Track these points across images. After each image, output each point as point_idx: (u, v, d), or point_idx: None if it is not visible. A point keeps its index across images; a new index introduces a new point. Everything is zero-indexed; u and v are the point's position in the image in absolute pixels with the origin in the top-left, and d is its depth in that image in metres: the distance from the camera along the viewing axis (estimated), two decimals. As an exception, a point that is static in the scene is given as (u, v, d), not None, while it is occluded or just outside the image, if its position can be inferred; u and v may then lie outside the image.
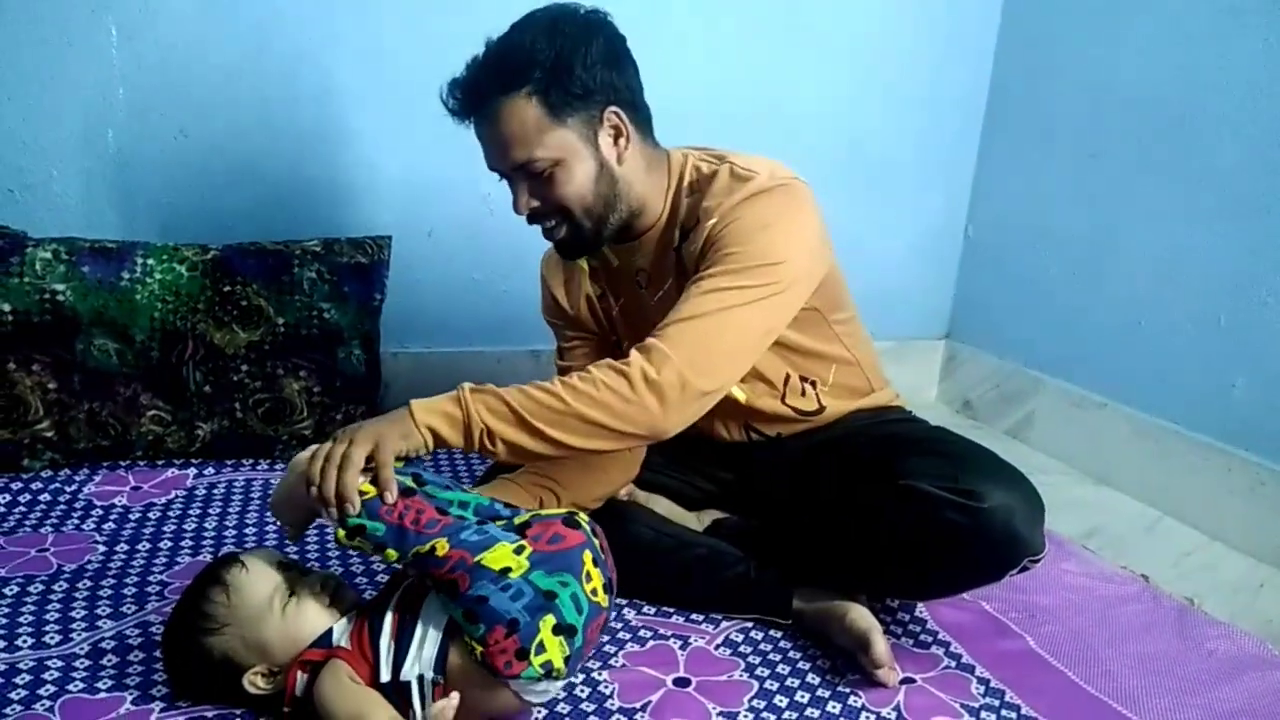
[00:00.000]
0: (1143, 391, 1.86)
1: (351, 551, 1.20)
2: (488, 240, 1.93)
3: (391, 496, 0.98)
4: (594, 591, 1.00)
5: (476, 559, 0.95)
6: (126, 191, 1.74)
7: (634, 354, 1.08)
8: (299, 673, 0.98)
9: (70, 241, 1.62)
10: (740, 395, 1.30)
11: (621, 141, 1.18)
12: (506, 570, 0.95)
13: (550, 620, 0.95)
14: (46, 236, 1.61)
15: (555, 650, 0.95)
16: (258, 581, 1.01)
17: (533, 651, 0.94)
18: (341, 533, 0.98)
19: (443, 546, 0.96)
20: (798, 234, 1.16)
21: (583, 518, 1.05)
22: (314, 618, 1.01)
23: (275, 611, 1.00)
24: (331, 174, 1.81)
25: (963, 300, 2.32)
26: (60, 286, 1.57)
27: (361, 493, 0.97)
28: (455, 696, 0.92)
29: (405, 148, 1.84)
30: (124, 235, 1.69)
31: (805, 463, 1.32)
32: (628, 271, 1.30)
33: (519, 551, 0.97)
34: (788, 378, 1.31)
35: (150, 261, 1.63)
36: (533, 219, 1.20)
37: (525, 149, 1.12)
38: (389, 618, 1.00)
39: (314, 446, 1.03)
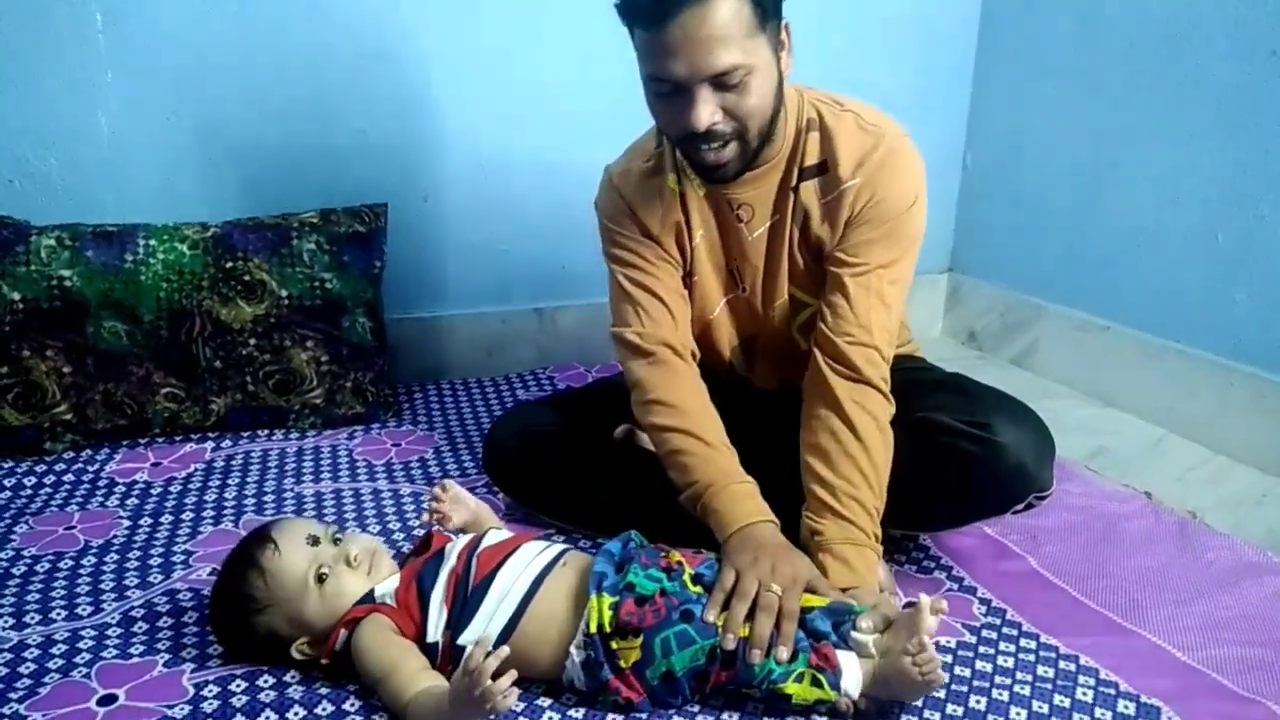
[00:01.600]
0: (1145, 312, 1.86)
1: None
2: (484, 202, 1.94)
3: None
4: None
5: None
6: (123, 175, 1.76)
7: (884, 386, 1.17)
8: (342, 630, 1.02)
9: (72, 227, 1.65)
10: (803, 344, 1.30)
11: (786, 58, 1.13)
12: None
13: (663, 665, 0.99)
14: (49, 224, 1.64)
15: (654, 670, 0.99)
16: (291, 563, 1.03)
17: (648, 673, 0.99)
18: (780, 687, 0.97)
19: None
20: (925, 200, 1.22)
21: None
22: (353, 592, 1.03)
23: (312, 591, 1.02)
24: (323, 143, 1.82)
25: (964, 232, 2.31)
26: (66, 272, 1.60)
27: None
28: (505, 650, 0.89)
29: (395, 112, 1.85)
30: (124, 218, 1.72)
31: None
32: (720, 202, 1.25)
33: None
34: None
35: (152, 242, 1.66)
36: (706, 138, 1.10)
37: (731, 53, 1.04)
38: (442, 578, 1.03)
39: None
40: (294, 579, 1.02)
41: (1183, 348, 1.79)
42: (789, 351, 1.30)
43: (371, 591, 1.04)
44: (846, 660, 0.98)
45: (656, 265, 1.27)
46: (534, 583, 1.03)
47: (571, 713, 1.01)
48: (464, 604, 1.02)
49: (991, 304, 2.21)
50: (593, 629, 0.98)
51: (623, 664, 0.98)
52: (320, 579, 1.02)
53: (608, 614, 0.98)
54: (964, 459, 1.12)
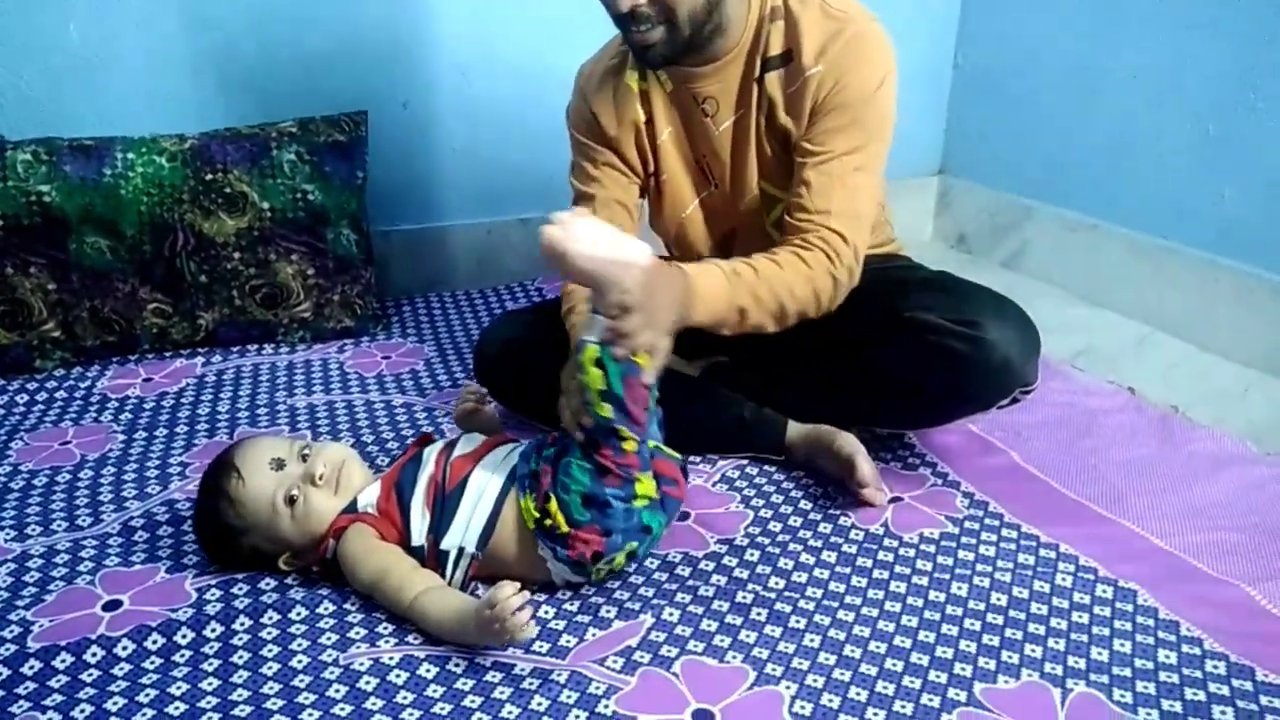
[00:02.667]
0: (1134, 210, 1.85)
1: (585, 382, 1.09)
2: (465, 110, 1.91)
3: (649, 379, 1.00)
4: (663, 533, 1.08)
5: (637, 475, 1.00)
6: (97, 87, 1.72)
7: (834, 257, 1.16)
8: (331, 540, 1.04)
9: (48, 141, 1.62)
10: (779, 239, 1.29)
11: None
12: (640, 497, 1.01)
13: (632, 546, 1.02)
14: (23, 138, 1.61)
15: (619, 564, 1.03)
16: (257, 490, 1.03)
17: (605, 560, 1.01)
18: (594, 354, 0.97)
19: (631, 445, 0.99)
20: (894, 84, 1.19)
21: (688, 469, 1.12)
22: (324, 510, 1.04)
23: (283, 514, 1.03)
24: (298, 51, 1.78)
25: (955, 134, 2.28)
26: (45, 187, 1.58)
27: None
28: (528, 594, 0.92)
29: (371, 16, 1.80)
30: (100, 131, 1.68)
31: None
32: (686, 97, 1.26)
33: (655, 487, 1.02)
34: None
35: (130, 155, 1.63)
36: (632, 19, 1.13)
37: None
38: (421, 484, 1.05)
39: (643, 258, 0.98)
40: (262, 506, 1.03)
41: (1170, 244, 1.79)
42: (767, 244, 1.30)
43: (355, 501, 1.06)
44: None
45: (601, 171, 1.30)
46: (505, 484, 1.05)
47: (568, 606, 1.03)
48: (442, 508, 1.04)
49: (982, 206, 2.20)
50: (530, 526, 1.01)
51: (563, 528, 0.99)
52: (290, 501, 1.03)
53: (531, 506, 1.01)
54: (951, 357, 1.13)
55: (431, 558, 1.04)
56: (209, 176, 1.65)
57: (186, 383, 1.60)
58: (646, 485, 1.01)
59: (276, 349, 1.71)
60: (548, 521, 1.00)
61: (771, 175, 1.26)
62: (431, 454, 1.10)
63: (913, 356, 1.16)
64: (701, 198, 1.32)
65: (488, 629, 0.91)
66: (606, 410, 0.98)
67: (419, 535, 1.04)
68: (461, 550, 1.03)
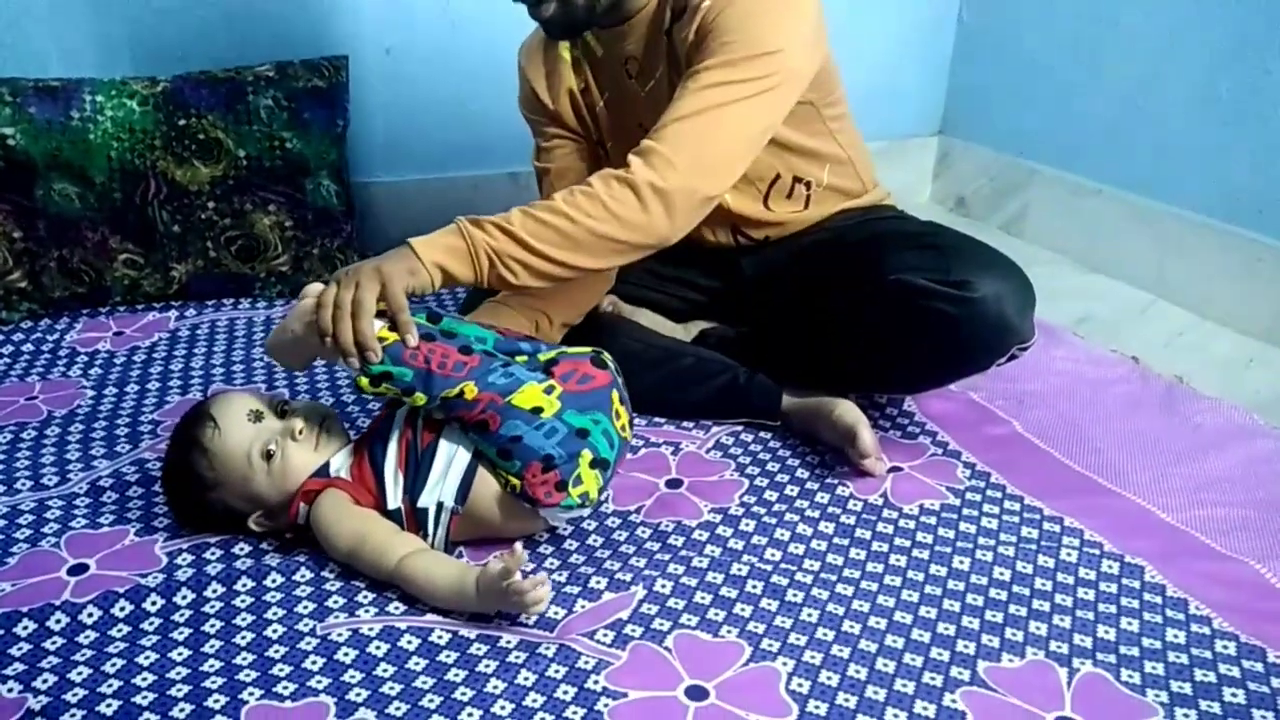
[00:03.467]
0: (1140, 175, 1.81)
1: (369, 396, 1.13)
2: (451, 57, 1.83)
3: (414, 340, 0.95)
4: (622, 428, 1.03)
5: (506, 400, 0.95)
6: (63, 26, 1.63)
7: (635, 162, 1.04)
8: (301, 504, 0.99)
9: (12, 82, 1.54)
10: (728, 199, 1.25)
11: None
12: (538, 410, 0.96)
13: (587, 455, 0.98)
14: (-15, 78, 1.53)
15: (591, 482, 0.98)
16: (233, 442, 0.99)
17: (571, 483, 0.96)
18: (365, 381, 0.96)
19: (471, 390, 0.95)
20: (794, 20, 1.09)
21: (607, 357, 1.05)
22: (302, 466, 1.00)
23: (259, 469, 0.99)
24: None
25: (956, 93, 2.22)
26: (9, 130, 1.50)
27: (380, 339, 0.94)
28: (520, 550, 0.88)
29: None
30: (67, 73, 1.60)
31: (793, 265, 1.29)
32: (614, 61, 1.22)
33: (549, 391, 0.97)
34: (777, 178, 1.25)
35: (99, 98, 1.56)
36: None
37: None
38: (393, 447, 1.00)
39: (313, 290, 0.98)
40: (237, 458, 0.99)
41: (1176, 210, 1.74)
42: (718, 207, 1.23)
43: (326, 465, 1.01)
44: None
45: (551, 144, 1.29)
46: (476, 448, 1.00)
47: (557, 577, 0.99)
48: (416, 467, 0.99)
49: (982, 168, 2.14)
50: (503, 487, 0.99)
51: (516, 486, 0.97)
52: (267, 456, 0.99)
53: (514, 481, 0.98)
54: (942, 320, 1.08)
55: (410, 519, 0.99)
56: (182, 122, 1.57)
57: (159, 337, 1.53)
58: (530, 396, 0.96)
59: (253, 303, 1.65)
60: (508, 487, 0.98)
61: None
62: (402, 414, 1.05)
63: (902, 322, 1.10)
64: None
65: (502, 599, 0.88)
66: (420, 398, 0.96)
67: (394, 498, 0.99)
68: (440, 505, 0.99)
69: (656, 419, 1.29)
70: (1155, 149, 1.77)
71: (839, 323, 1.18)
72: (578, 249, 1.03)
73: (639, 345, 1.30)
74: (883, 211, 1.33)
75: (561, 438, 0.96)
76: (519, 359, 1.01)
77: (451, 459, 0.99)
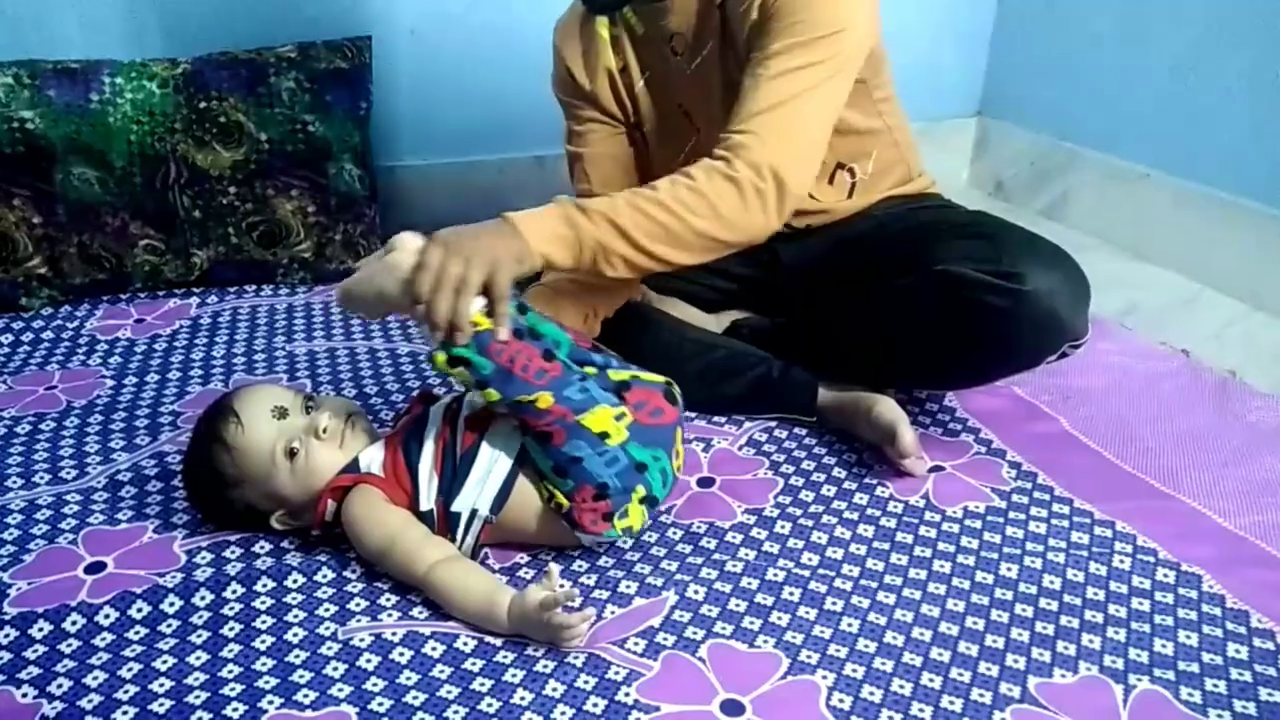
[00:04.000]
0: (1187, 158, 1.73)
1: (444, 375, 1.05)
2: (477, 37, 1.78)
3: (505, 335, 0.91)
4: (678, 468, 1.00)
5: (577, 418, 0.92)
6: (84, 6, 1.60)
7: (732, 157, 1.01)
8: (329, 500, 0.96)
9: (30, 65, 1.51)
10: None
11: None
12: (605, 435, 0.93)
13: (640, 491, 0.95)
14: (4, 60, 1.50)
15: (637, 518, 0.95)
16: (256, 439, 0.96)
17: (618, 516, 0.94)
18: (442, 359, 0.90)
19: (546, 401, 0.91)
20: (869, 2, 1.06)
21: (678, 391, 1.02)
22: (327, 465, 0.96)
23: (282, 467, 0.95)
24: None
25: (996, 71, 2.14)
26: (28, 114, 1.48)
27: (473, 324, 0.90)
28: (590, 612, 0.88)
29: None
30: (86, 54, 1.57)
31: (834, 254, 1.24)
32: (657, 38, 1.17)
33: (620, 419, 0.94)
34: (822, 164, 1.20)
35: (119, 81, 1.53)
36: None
37: None
38: (429, 446, 0.97)
39: (408, 245, 0.92)
40: (260, 456, 0.96)
41: (1224, 195, 1.67)
42: None
43: (356, 460, 0.97)
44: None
45: (586, 128, 1.24)
46: (519, 456, 0.97)
47: (585, 580, 0.96)
48: (453, 471, 0.96)
49: (1022, 151, 2.07)
50: (544, 498, 0.96)
51: (563, 503, 0.94)
52: (290, 454, 0.95)
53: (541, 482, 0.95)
54: (992, 314, 1.03)
55: (441, 521, 0.96)
56: (202, 105, 1.54)
57: (180, 324, 1.51)
58: (600, 420, 0.92)
59: (275, 290, 1.62)
60: (552, 503, 0.94)
61: None
62: (439, 412, 1.01)
63: (948, 314, 1.05)
64: (688, 148, 1.20)
65: (541, 628, 0.85)
66: (493, 394, 0.91)
67: (428, 499, 0.96)
68: (474, 513, 0.95)
69: (687, 414, 1.24)
70: (1204, 131, 1.70)
71: (880, 315, 1.14)
72: (679, 245, 1.01)
73: (670, 337, 1.26)
74: (928, 200, 1.27)
75: (621, 469, 0.93)
76: (589, 370, 0.97)
77: (491, 466, 0.96)
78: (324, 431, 0.97)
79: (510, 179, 1.90)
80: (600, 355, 1.00)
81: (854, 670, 0.85)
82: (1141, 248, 1.81)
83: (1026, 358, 1.08)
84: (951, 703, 0.82)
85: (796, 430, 1.21)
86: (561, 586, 0.87)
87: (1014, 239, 1.09)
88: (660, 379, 1.02)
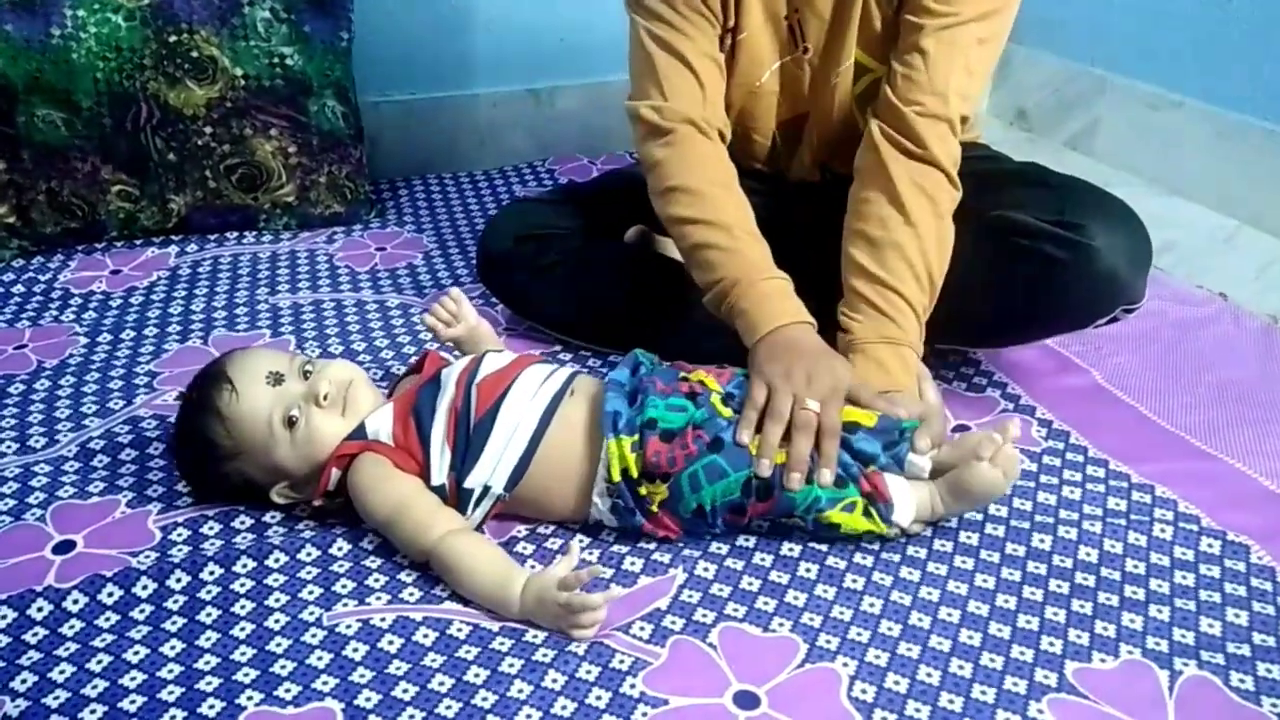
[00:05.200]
0: (1227, 85, 1.62)
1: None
2: (467, -41, 1.67)
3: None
4: None
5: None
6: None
7: (954, 159, 0.99)
8: (334, 469, 0.89)
9: (-17, -3, 1.41)
10: (863, 121, 1.09)
11: None
12: None
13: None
14: (-46, -9, 1.39)
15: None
16: (252, 409, 0.88)
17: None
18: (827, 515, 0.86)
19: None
20: None
21: None
22: (329, 435, 0.89)
23: (281, 438, 0.88)
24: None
25: (1019, -8, 2.01)
26: (-16, 50, 1.38)
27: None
28: (576, 550, 0.83)
29: None
30: (44, -16, 1.46)
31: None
32: None
33: None
34: None
35: (80, 13, 1.42)
36: None
37: None
38: (441, 416, 0.90)
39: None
40: (257, 426, 0.88)
41: (1266, 125, 1.57)
42: (844, 133, 1.10)
43: (363, 426, 0.90)
44: (897, 488, 0.86)
45: (688, 19, 1.04)
46: (542, 419, 0.89)
47: (586, 556, 0.89)
48: (467, 444, 0.88)
49: (1047, 78, 1.95)
50: (615, 478, 0.86)
51: (654, 508, 0.87)
52: (289, 423, 0.88)
53: (631, 457, 0.86)
54: (1048, 265, 0.95)
55: (454, 495, 0.89)
56: (172, 38, 1.43)
57: (158, 276, 1.43)
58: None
59: (258, 237, 1.54)
60: (643, 489, 0.86)
61: (872, 42, 1.05)
62: (451, 376, 0.93)
63: (1000, 263, 0.98)
64: (783, 63, 1.10)
65: (553, 610, 0.79)
66: (819, 517, 0.87)
67: (440, 473, 0.89)
68: (487, 489, 0.88)
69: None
70: (1245, 56, 1.59)
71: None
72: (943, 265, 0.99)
73: (666, 281, 1.18)
74: (977, 149, 1.17)
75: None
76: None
77: (510, 437, 0.88)
78: (324, 399, 0.90)
79: (504, 114, 1.80)
80: None
81: (877, 657, 0.78)
82: (1175, 182, 1.71)
83: (1077, 317, 1.01)
84: (983, 692, 0.76)
85: (811, 387, 1.13)
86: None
87: (1077, 189, 1.01)
88: None
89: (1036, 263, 0.95)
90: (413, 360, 1.01)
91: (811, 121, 1.13)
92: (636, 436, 0.86)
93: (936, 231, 0.98)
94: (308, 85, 1.49)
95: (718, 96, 1.07)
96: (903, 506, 0.86)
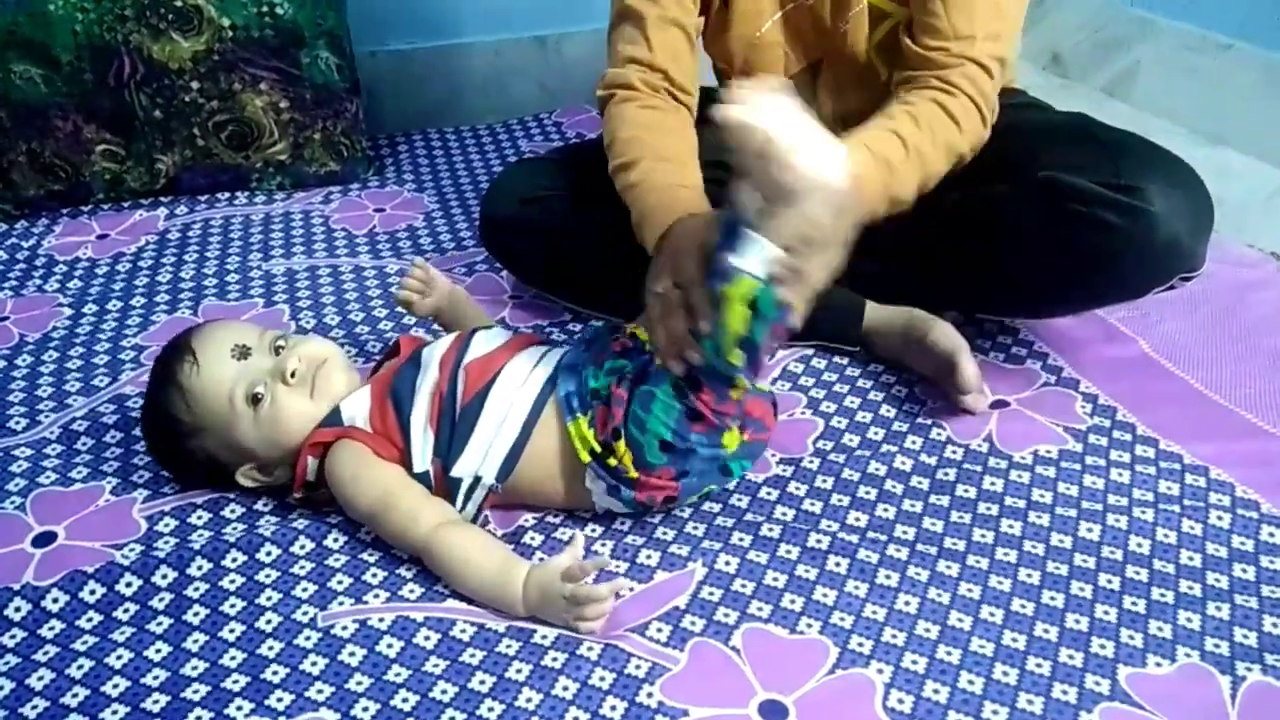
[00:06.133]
0: (1277, 27, 1.52)
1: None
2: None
3: (798, 325, 0.78)
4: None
5: (731, 424, 0.81)
6: None
7: (982, 103, 0.92)
8: (309, 458, 0.84)
9: (-47, -57, 1.32)
10: (883, 70, 1.02)
11: None
12: (727, 445, 0.82)
13: (709, 488, 0.86)
14: (-79, -62, 1.31)
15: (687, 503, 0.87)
16: (213, 382, 0.83)
17: (675, 505, 0.86)
18: (751, 289, 0.73)
19: (738, 394, 0.79)
20: None
21: (776, 404, 0.91)
22: (296, 415, 0.84)
23: (243, 415, 0.83)
24: None
25: (1052, -73, 1.90)
26: (-45, 3, 1.30)
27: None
28: (580, 542, 0.77)
29: None
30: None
31: None
32: None
33: (740, 430, 0.83)
34: None
35: (56, -40, 1.33)
36: None
37: None
38: (423, 398, 0.84)
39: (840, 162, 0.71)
40: (217, 401, 0.83)
41: (1322, 70, 1.47)
42: (863, 81, 1.01)
43: (337, 411, 0.84)
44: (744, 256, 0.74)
45: (657, 29, 0.99)
46: (534, 406, 0.83)
47: (599, 549, 0.84)
48: (452, 429, 0.82)
49: (1084, 18, 1.84)
50: (585, 458, 0.81)
51: (631, 473, 0.81)
52: (254, 400, 0.83)
53: (589, 434, 0.81)
54: (1103, 233, 0.88)
55: (439, 484, 0.83)
56: (154, -14, 1.35)
57: (146, 240, 1.36)
58: (735, 434, 0.82)
59: (250, 198, 1.46)
60: (611, 460, 0.80)
61: None
62: (434, 356, 0.87)
63: (1049, 230, 0.90)
64: (786, 11, 1.02)
65: (557, 604, 0.74)
66: (737, 358, 0.76)
67: (423, 460, 0.83)
68: (478, 479, 0.82)
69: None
70: (1304, -7, 1.48)
71: (960, 224, 0.98)
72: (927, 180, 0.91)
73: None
74: (1016, 96, 1.09)
75: (712, 468, 0.83)
76: None
77: (501, 423, 0.82)
78: (291, 376, 0.84)
79: (507, 63, 1.70)
80: None
81: (914, 662, 0.73)
82: (1221, 132, 1.61)
83: (1132, 286, 0.94)
84: (1030, 702, 0.70)
85: (837, 359, 1.06)
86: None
87: (1132, 147, 0.92)
88: (766, 388, 0.91)
89: (1090, 230, 0.87)
90: (392, 344, 0.95)
91: (826, 73, 1.04)
92: (589, 413, 0.82)
93: (947, 144, 0.90)
94: (299, 36, 1.40)
95: (679, 60, 1.01)
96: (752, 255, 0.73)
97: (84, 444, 0.98)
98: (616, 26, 1.03)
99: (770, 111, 0.69)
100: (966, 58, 0.91)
